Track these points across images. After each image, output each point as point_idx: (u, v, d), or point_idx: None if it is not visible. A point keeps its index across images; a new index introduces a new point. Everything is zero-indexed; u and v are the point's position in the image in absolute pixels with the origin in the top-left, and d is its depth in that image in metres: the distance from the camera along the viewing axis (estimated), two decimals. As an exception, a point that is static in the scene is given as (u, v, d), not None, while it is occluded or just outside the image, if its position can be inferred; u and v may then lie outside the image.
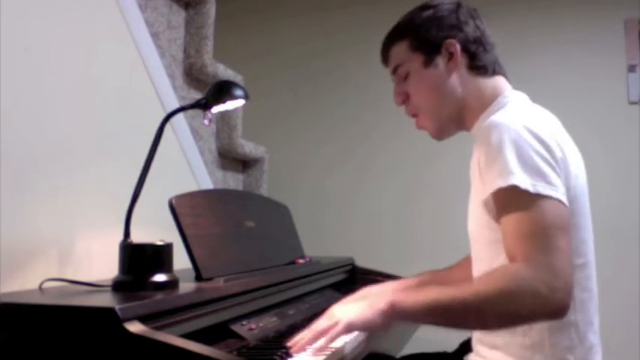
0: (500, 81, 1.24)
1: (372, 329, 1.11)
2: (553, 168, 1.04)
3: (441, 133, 1.29)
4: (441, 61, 1.22)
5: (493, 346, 1.14)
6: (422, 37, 1.24)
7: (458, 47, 1.21)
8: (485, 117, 1.19)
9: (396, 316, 1.05)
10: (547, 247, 0.97)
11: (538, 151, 1.03)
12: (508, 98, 1.20)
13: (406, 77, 1.27)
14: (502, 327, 1.07)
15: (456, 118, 1.26)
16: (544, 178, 1.01)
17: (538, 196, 1.00)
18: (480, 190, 1.11)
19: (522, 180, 1.00)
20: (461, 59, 1.22)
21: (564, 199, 1.02)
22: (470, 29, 1.23)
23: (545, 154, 1.04)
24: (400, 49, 1.27)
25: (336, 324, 1.07)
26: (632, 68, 2.77)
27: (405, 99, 1.28)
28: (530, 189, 1.00)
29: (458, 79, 1.22)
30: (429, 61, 1.23)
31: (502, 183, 1.02)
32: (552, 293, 0.95)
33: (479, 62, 1.23)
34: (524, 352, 1.09)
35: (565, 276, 0.96)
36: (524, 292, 0.95)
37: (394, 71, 1.29)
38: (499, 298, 0.97)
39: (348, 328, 1.06)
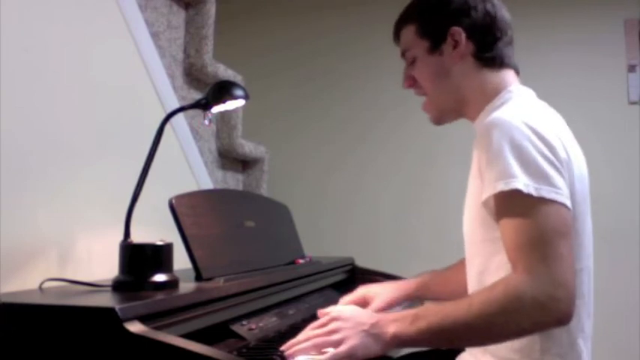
0: (507, 75, 1.21)
1: (371, 357, 1.03)
2: (557, 170, 1.00)
3: (439, 120, 1.29)
4: (446, 48, 1.20)
5: (485, 348, 1.13)
6: (428, 23, 1.22)
7: (463, 36, 1.19)
8: (488, 112, 1.17)
9: (399, 346, 1.00)
10: (548, 256, 0.95)
11: (541, 151, 1.00)
12: (512, 93, 1.17)
13: (413, 62, 1.26)
14: (507, 340, 1.04)
15: (456, 108, 1.25)
16: (548, 181, 0.98)
17: (541, 200, 0.97)
18: (478, 189, 1.08)
19: (525, 183, 0.97)
20: (466, 47, 1.19)
21: (568, 202, 1.00)
22: (479, 15, 1.19)
23: (548, 155, 1.01)
24: (409, 33, 1.26)
25: (336, 341, 1.00)
26: (632, 68, 2.77)
27: (412, 83, 1.28)
28: (534, 193, 0.97)
29: (462, 69, 1.20)
30: (434, 48, 1.22)
31: (504, 186, 0.99)
32: (554, 303, 0.93)
33: (486, 53, 1.19)
34: (512, 354, 1.08)
35: (566, 284, 0.94)
36: (526, 305, 0.94)
37: (403, 54, 1.29)
38: (502, 315, 0.95)
39: (350, 355, 0.99)
